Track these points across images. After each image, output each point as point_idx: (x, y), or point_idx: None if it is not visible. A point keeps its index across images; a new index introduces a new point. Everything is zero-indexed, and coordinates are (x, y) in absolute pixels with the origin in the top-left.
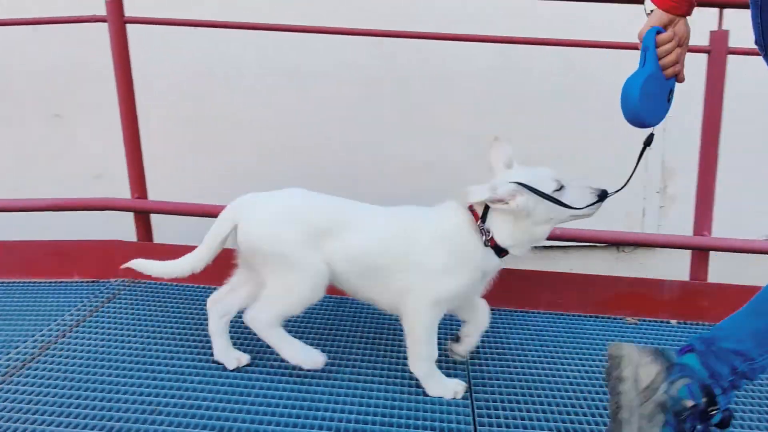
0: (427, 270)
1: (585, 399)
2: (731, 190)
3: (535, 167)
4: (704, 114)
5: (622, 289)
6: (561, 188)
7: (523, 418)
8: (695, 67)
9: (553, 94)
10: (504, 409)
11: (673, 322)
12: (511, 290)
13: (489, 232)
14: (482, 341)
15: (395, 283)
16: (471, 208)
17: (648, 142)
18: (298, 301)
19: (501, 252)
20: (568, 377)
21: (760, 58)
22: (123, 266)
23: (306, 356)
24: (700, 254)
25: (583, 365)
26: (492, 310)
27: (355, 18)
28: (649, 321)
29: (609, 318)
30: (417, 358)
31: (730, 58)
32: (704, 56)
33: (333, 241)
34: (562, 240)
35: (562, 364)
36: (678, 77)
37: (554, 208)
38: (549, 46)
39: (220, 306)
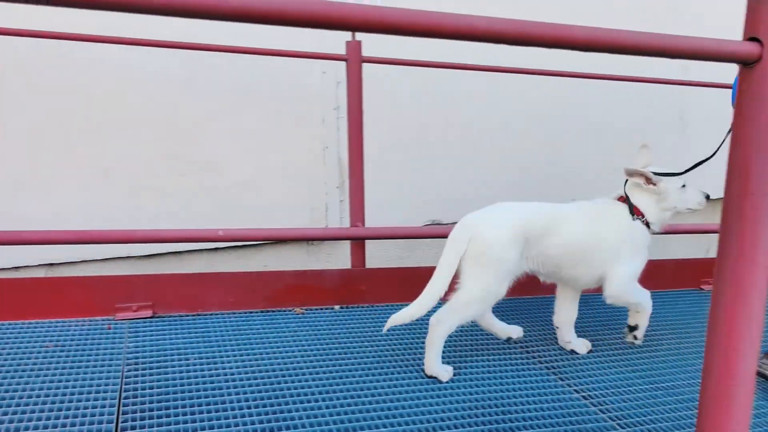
0: (619, 251)
1: (237, 394)
2: (395, 183)
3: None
4: (348, 113)
5: (289, 281)
6: (684, 185)
7: (169, 424)
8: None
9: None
10: (151, 417)
11: (337, 307)
12: (179, 294)
13: (643, 214)
14: (141, 349)
15: (596, 263)
16: (620, 200)
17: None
18: (488, 299)
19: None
20: (225, 377)
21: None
22: (385, 329)
23: (442, 369)
24: (358, 243)
25: (243, 361)
26: (156, 317)
27: None
28: (315, 309)
29: (278, 311)
30: (640, 307)
31: (365, 65)
32: (343, 63)
33: (549, 237)
34: (252, 240)
35: (222, 363)
36: None
37: (679, 199)
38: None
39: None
